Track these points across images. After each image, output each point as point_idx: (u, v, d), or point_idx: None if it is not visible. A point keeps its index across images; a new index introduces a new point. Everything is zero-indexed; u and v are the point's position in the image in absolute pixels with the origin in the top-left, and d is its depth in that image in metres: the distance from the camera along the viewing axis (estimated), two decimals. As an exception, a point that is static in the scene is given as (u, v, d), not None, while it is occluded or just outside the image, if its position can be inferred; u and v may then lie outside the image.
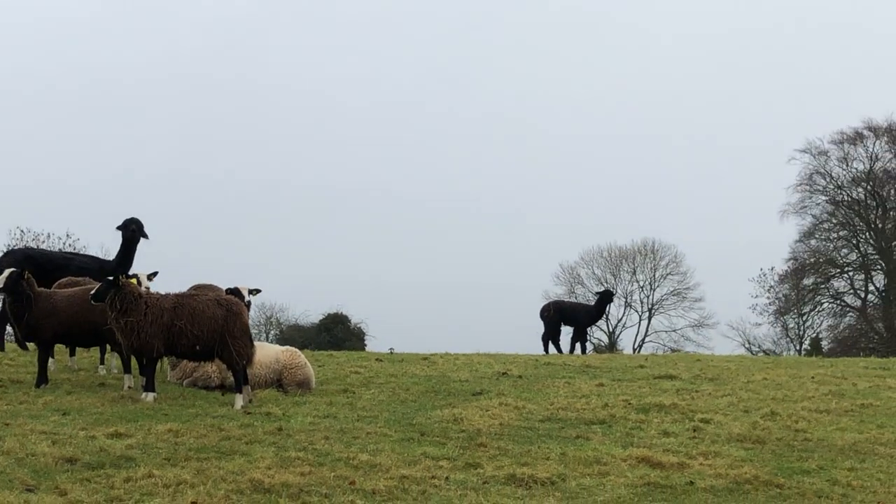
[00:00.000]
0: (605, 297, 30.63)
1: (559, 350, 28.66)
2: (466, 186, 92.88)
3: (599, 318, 33.01)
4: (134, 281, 14.35)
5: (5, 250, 22.61)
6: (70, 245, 42.77)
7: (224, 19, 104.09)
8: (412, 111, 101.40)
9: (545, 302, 33.21)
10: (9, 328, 19.50)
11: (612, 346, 29.72)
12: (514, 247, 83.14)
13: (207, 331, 13.66)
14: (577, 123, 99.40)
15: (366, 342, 44.70)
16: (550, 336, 28.88)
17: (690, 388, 16.75)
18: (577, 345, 29.55)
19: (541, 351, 27.87)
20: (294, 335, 46.82)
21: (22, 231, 43.63)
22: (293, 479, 9.26)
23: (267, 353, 15.31)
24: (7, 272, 14.86)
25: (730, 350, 52.13)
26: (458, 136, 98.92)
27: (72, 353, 17.91)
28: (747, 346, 57.34)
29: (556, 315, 29.21)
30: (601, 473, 10.11)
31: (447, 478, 9.65)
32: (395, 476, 9.59)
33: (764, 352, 53.73)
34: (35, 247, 37.67)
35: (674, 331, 61.21)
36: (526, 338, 54.22)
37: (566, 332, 29.89)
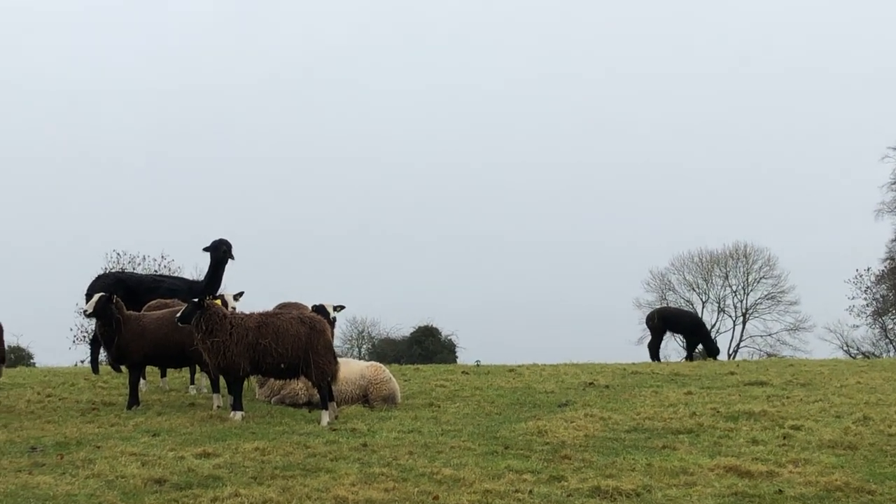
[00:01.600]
0: None
1: (656, 358, 28.52)
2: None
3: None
4: (219, 301, 14.54)
5: (99, 273, 22.88)
6: (165, 266, 43.41)
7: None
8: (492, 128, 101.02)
9: (635, 310, 33.01)
10: (103, 351, 19.93)
11: (713, 352, 29.31)
12: (601, 253, 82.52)
13: (291, 349, 13.79)
14: (662, 126, 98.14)
15: (457, 354, 44.77)
16: (656, 344, 28.79)
17: (781, 394, 16.50)
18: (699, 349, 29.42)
19: (630, 360, 27.69)
20: (386, 349, 47.07)
21: (118, 254, 44.41)
22: (377, 495, 9.27)
23: (352, 369, 15.41)
24: (96, 297, 15.18)
25: (828, 353, 51.21)
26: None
27: (163, 374, 18.23)
28: (845, 348, 56.16)
29: (660, 322, 29.06)
30: (688, 484, 9.97)
31: (531, 491, 9.59)
32: (478, 490, 9.55)
33: (863, 354, 52.60)
34: (131, 270, 38.32)
35: (769, 335, 60.21)
36: (614, 347, 53.87)
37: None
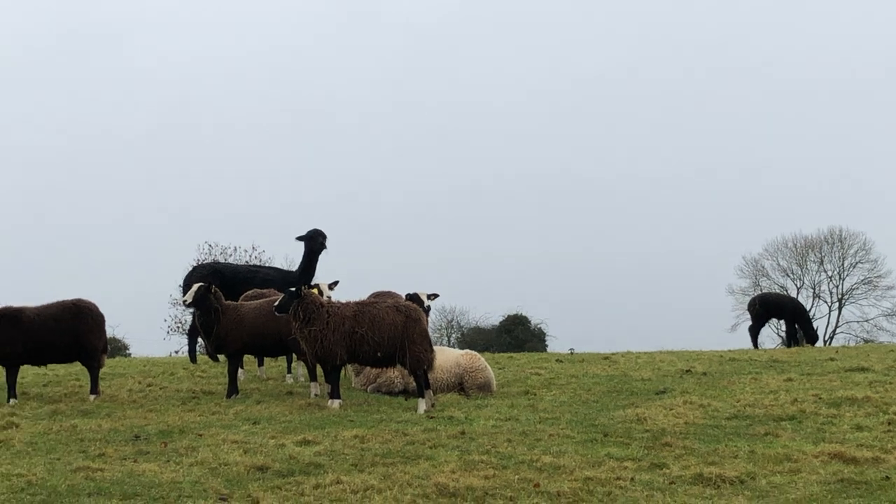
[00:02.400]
0: None
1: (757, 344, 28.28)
2: (640, 180, 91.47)
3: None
4: (315, 291, 14.64)
5: (194, 265, 23.17)
6: (256, 258, 43.82)
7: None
8: (580, 97, 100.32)
9: (728, 296, 32.67)
10: (199, 340, 20.18)
11: (812, 339, 28.88)
12: (692, 240, 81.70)
13: (388, 337, 13.85)
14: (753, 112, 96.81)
15: (546, 342, 44.59)
16: (757, 330, 28.51)
17: (884, 379, 16.17)
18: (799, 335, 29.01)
19: (726, 347, 27.39)
20: (475, 337, 47.01)
21: (210, 245, 44.92)
22: (477, 482, 9.26)
23: (447, 357, 15.43)
24: (195, 287, 15.38)
25: (930, 339, 50.18)
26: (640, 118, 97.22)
27: (260, 364, 18.42)
28: (946, 333, 54.99)
29: (761, 308, 28.75)
30: (792, 471, 9.82)
31: (632, 479, 9.51)
32: (579, 478, 9.49)
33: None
34: (223, 261, 38.74)
35: (866, 321, 59.09)
36: (709, 333, 53.27)
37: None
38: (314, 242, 19.51)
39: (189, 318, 44.69)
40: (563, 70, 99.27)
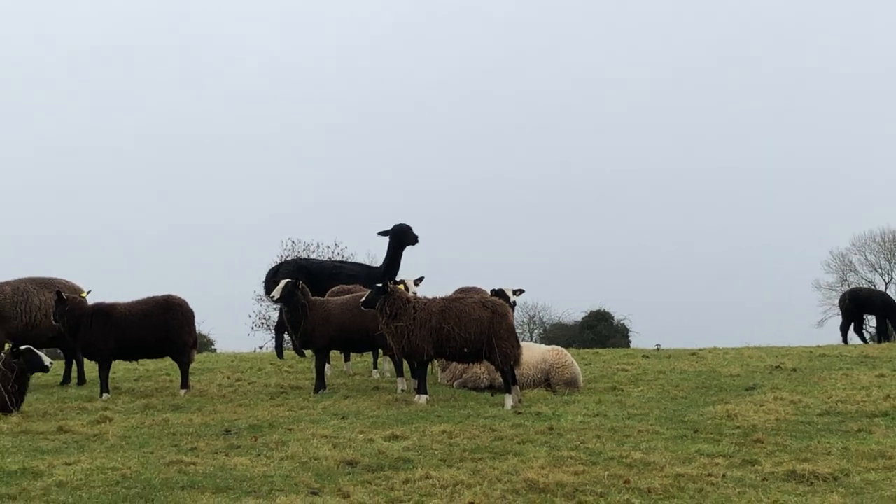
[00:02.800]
0: None
1: (862, 339, 27.85)
2: (724, 172, 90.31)
3: None
4: (402, 286, 14.69)
5: (278, 261, 23.37)
6: (338, 254, 44.10)
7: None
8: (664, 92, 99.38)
9: (814, 291, 32.20)
10: (285, 336, 20.38)
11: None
12: (776, 234, 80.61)
13: (474, 333, 13.85)
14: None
15: (630, 339, 44.33)
16: (847, 325, 28.09)
17: (975, 374, 15.86)
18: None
19: (815, 342, 27.02)
20: (557, 333, 46.88)
21: (293, 242, 45.31)
22: (567, 478, 9.22)
23: (533, 353, 15.40)
24: (283, 283, 15.52)
25: None
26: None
27: (346, 359, 18.52)
28: None
29: (851, 304, 28.34)
30: (887, 468, 9.63)
31: (724, 475, 9.40)
32: (669, 474, 9.41)
33: None
34: (306, 257, 39.04)
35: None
36: (796, 329, 52.56)
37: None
38: (404, 236, 19.60)
39: (274, 314, 45.32)
40: (664, 61, 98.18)
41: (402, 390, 15.23)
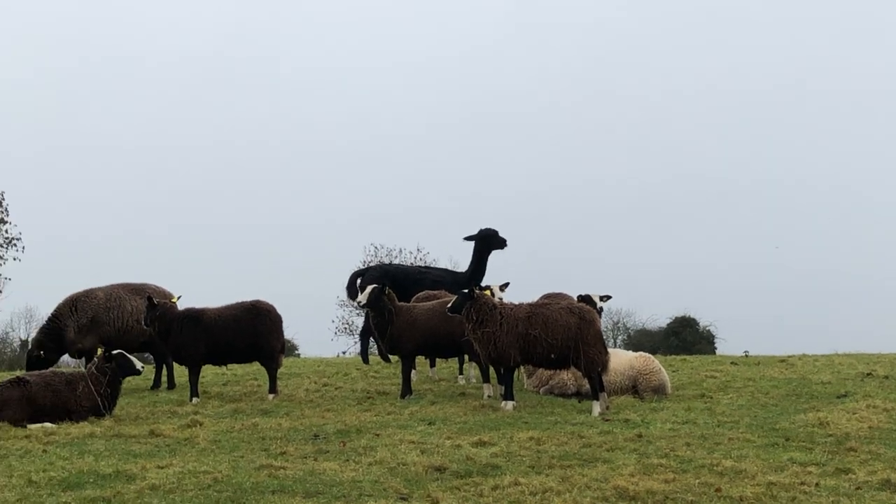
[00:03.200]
0: None
1: None
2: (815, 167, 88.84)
3: None
4: (488, 292, 14.67)
5: (361, 267, 23.46)
6: (421, 259, 44.27)
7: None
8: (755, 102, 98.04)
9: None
10: (370, 341, 20.48)
11: None
12: (868, 235, 79.02)
13: (561, 339, 13.78)
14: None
15: (715, 345, 43.83)
16: None
17: None
18: None
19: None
20: (642, 339, 46.48)
21: (376, 247, 45.60)
22: (657, 486, 9.14)
23: (621, 359, 15.30)
24: (369, 288, 15.60)
25: None
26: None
27: (432, 364, 18.57)
28: None
29: None
30: (985, 477, 9.44)
31: (817, 484, 9.25)
32: (762, 483, 9.28)
33: None
34: (388, 262, 39.22)
35: None
36: (887, 336, 51.60)
37: None
38: (491, 241, 19.61)
39: (357, 320, 45.62)
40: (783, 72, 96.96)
41: (489, 396, 15.21)
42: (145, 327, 16.07)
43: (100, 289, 17.47)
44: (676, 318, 45.53)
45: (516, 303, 14.47)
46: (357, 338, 38.00)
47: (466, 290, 14.42)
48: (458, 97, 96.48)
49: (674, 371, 18.13)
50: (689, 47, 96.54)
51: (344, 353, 36.50)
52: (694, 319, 45.34)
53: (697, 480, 9.40)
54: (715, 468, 9.90)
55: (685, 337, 43.35)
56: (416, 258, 44.32)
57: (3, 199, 45.36)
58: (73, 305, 17.22)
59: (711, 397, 15.15)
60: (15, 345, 45.95)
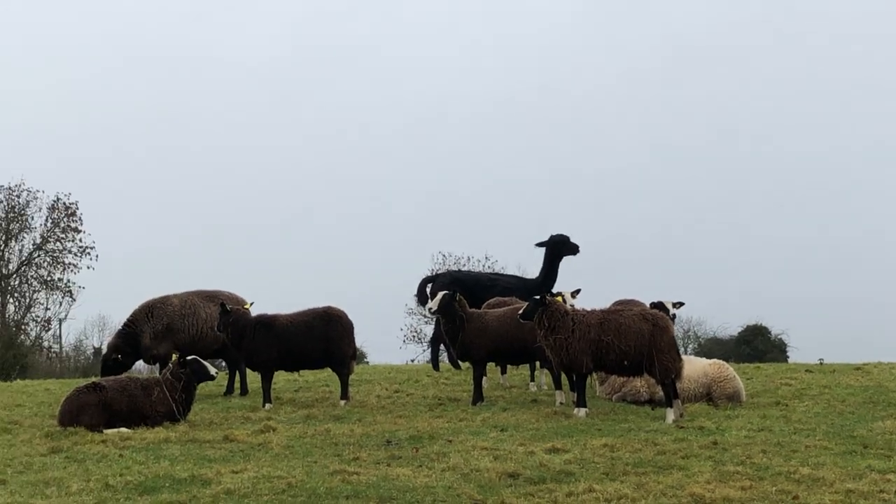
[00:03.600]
0: None
1: None
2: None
3: None
4: (560, 299, 14.62)
5: (428, 275, 23.51)
6: (489, 266, 44.30)
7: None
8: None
9: None
10: (440, 348, 20.50)
11: None
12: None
13: (634, 346, 13.69)
14: None
15: (788, 354, 43.36)
16: None
17: None
18: None
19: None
20: (713, 348, 46.10)
21: (444, 255, 45.73)
22: (734, 493, 9.05)
23: (694, 367, 15.17)
24: (440, 295, 15.61)
25: None
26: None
27: (503, 371, 18.53)
28: None
29: None
30: None
31: (897, 492, 9.14)
32: (840, 490, 9.17)
33: None
34: (457, 269, 39.27)
35: None
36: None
37: None
38: (563, 247, 19.55)
39: (426, 328, 45.72)
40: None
41: (561, 403, 15.15)
42: (218, 333, 16.22)
43: (175, 296, 17.67)
44: (748, 326, 45.20)
45: (588, 309, 14.40)
46: (426, 345, 38.14)
47: (538, 297, 14.38)
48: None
49: (748, 379, 17.93)
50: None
51: (413, 360, 36.62)
52: (766, 328, 44.97)
53: (774, 488, 9.31)
54: (792, 476, 9.79)
55: (756, 345, 43.01)
56: (484, 266, 44.35)
57: (77, 209, 46.26)
58: (150, 312, 17.44)
59: (787, 405, 14.98)
60: (88, 353, 46.70)
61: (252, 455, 11.40)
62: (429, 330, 42.58)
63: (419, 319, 47.10)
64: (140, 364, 19.05)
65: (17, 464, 11.15)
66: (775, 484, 9.47)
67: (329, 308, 16.11)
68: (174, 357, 14.37)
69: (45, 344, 47.11)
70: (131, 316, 17.51)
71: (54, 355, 47.60)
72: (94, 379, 15.34)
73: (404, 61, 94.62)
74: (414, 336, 47.34)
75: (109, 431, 13.03)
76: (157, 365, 17.44)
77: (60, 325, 47.52)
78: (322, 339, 15.80)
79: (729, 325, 49.38)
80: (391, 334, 46.10)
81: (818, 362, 23.72)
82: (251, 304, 16.86)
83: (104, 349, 18.25)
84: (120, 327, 17.70)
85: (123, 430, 13.18)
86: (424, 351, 41.42)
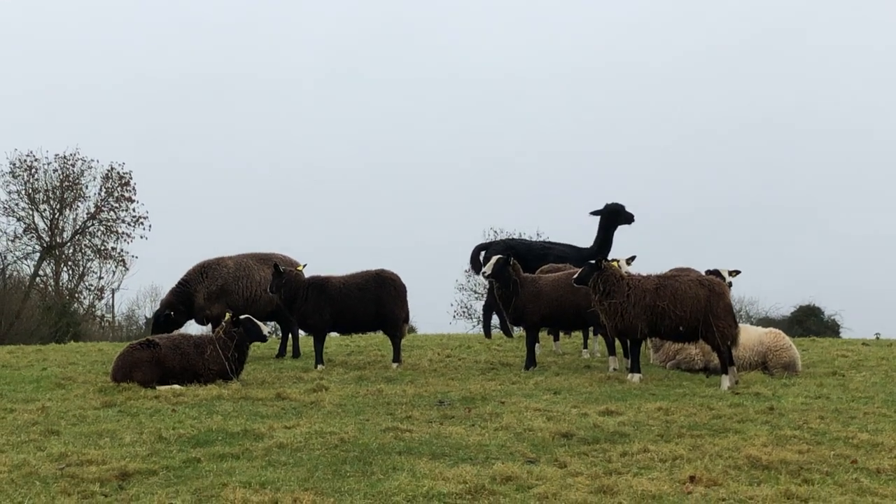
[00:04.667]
0: None
1: None
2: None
3: None
4: (615, 264, 14.50)
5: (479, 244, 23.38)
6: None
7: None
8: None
9: None
10: (493, 316, 20.43)
11: None
12: None
13: (690, 311, 13.54)
14: None
15: (841, 334, 42.88)
16: None
17: None
18: None
19: None
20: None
21: (495, 231, 45.67)
22: (791, 456, 8.92)
23: (750, 335, 14.99)
24: (494, 259, 15.54)
25: None
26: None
27: (556, 338, 18.45)
28: None
29: None
30: None
31: (956, 458, 8.97)
32: (899, 455, 9.04)
33: None
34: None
35: None
36: None
37: None
38: (618, 216, 19.39)
39: (476, 303, 45.71)
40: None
41: (615, 369, 15.04)
42: (271, 294, 16.23)
43: (230, 258, 17.74)
44: (801, 307, 44.67)
45: (644, 274, 14.26)
46: (476, 320, 38.11)
47: (593, 262, 14.25)
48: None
49: (804, 350, 17.72)
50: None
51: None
52: (819, 308, 44.44)
53: (832, 452, 9.17)
54: (850, 441, 9.64)
55: (809, 326, 42.51)
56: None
57: (132, 178, 46.60)
58: (204, 272, 17.51)
59: (844, 375, 14.79)
60: (140, 322, 47.03)
61: (304, 412, 11.41)
62: (479, 306, 42.59)
63: (469, 295, 47.16)
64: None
65: (70, 416, 11.24)
66: (833, 448, 9.32)
67: (382, 270, 16.09)
68: (227, 316, 14.38)
69: (98, 313, 47.63)
70: (185, 275, 17.59)
71: (107, 324, 48.08)
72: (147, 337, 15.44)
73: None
74: (464, 312, 47.41)
75: (162, 388, 13.11)
76: (210, 325, 17.50)
77: (113, 294, 48.05)
78: (374, 302, 15.79)
79: (782, 305, 48.94)
80: (442, 309, 46.19)
81: (875, 337, 23.51)
82: (304, 265, 16.86)
83: (161, 303, 18.31)
84: (174, 286, 17.75)
85: (176, 386, 13.25)
86: (475, 327, 41.46)
